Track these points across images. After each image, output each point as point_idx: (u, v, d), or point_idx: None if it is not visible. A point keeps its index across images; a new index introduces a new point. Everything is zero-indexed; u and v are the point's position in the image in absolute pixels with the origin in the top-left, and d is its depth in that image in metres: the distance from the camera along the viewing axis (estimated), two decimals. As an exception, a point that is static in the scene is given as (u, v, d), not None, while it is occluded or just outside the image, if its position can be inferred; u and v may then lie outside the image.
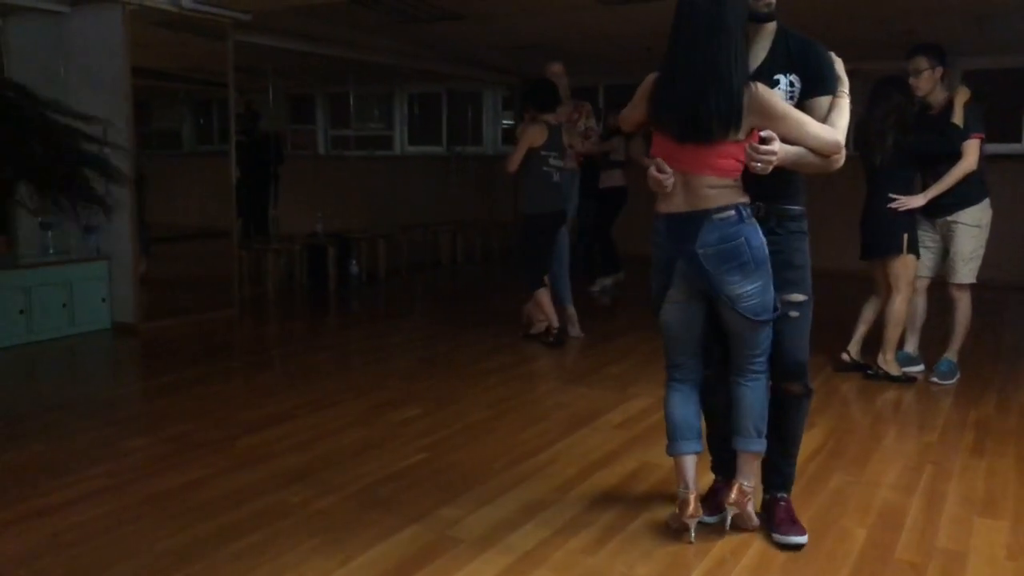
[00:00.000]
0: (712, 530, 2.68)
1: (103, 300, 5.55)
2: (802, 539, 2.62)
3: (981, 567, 2.49)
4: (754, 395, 2.59)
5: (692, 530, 2.62)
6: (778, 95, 2.45)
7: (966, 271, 4.35)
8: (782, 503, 2.71)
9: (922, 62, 4.27)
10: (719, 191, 2.43)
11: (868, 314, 4.62)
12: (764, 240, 2.47)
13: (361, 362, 5.08)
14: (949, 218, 4.34)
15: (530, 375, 4.57)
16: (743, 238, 2.43)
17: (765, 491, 2.76)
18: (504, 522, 2.73)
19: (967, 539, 2.66)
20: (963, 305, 4.42)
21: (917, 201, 4.27)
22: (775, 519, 2.68)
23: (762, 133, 2.37)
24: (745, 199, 2.46)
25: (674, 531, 2.66)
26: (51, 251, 5.51)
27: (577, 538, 2.63)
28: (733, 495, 2.62)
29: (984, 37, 6.73)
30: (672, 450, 2.68)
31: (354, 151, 9.93)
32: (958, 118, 4.20)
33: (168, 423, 3.73)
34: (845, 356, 4.63)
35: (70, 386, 4.46)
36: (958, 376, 4.48)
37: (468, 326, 6.03)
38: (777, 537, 2.64)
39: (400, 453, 3.37)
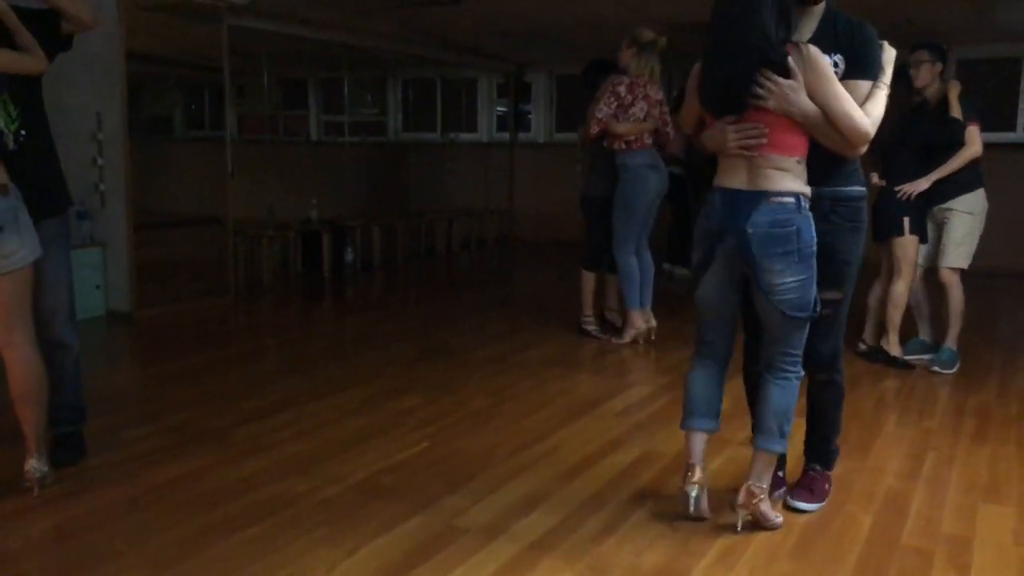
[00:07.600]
0: (721, 518, 2.66)
1: (97, 287, 5.49)
2: (806, 506, 2.74)
3: (988, 553, 2.50)
4: (783, 395, 2.53)
5: (691, 497, 2.58)
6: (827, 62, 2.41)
7: (956, 255, 4.42)
8: (811, 472, 2.84)
9: (924, 54, 4.39)
10: (782, 173, 2.40)
11: (873, 302, 4.66)
12: (815, 236, 2.43)
13: (359, 350, 5.05)
14: (944, 205, 4.43)
15: (530, 363, 4.56)
16: (795, 227, 2.39)
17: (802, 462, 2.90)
18: (509, 511, 2.72)
19: (972, 525, 2.67)
20: (954, 291, 4.47)
21: (921, 185, 4.32)
22: (797, 483, 2.83)
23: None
24: (806, 189, 2.43)
25: (680, 504, 2.63)
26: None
27: (584, 526, 2.62)
28: (741, 497, 2.54)
29: (980, 25, 6.73)
30: (684, 424, 2.65)
31: (348, 137, 9.86)
32: (956, 111, 4.30)
33: (168, 412, 3.70)
34: (861, 346, 4.67)
35: (66, 374, 4.40)
36: (959, 364, 4.50)
37: (465, 314, 6.01)
38: (788, 499, 2.77)
39: (402, 442, 3.36)
